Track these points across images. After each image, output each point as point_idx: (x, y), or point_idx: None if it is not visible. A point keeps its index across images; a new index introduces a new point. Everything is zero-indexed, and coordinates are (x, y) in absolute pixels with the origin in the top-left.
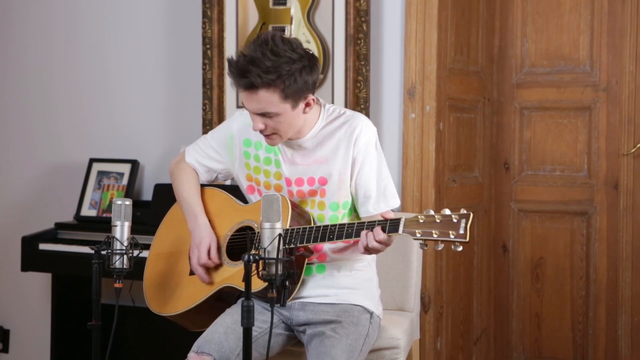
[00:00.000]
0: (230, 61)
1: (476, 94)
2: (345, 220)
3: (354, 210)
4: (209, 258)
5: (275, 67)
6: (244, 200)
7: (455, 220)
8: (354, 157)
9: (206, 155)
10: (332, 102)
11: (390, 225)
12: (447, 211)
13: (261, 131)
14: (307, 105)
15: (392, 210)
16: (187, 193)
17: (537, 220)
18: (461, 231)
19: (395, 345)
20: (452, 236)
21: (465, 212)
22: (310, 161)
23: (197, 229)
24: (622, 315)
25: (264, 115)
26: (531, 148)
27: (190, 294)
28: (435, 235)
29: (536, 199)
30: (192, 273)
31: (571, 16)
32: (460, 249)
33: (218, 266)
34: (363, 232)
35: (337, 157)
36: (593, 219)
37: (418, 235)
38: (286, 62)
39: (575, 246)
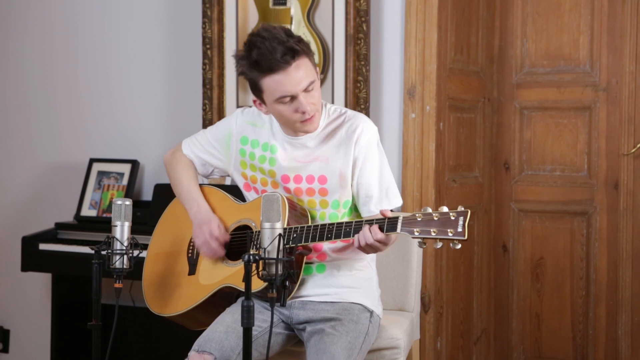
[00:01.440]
0: (259, 52)
1: (476, 94)
2: (345, 219)
3: (354, 209)
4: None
5: (291, 34)
6: (241, 198)
7: (453, 218)
8: (355, 157)
9: (203, 149)
10: (332, 102)
11: (388, 224)
12: (445, 208)
13: (307, 113)
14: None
15: (393, 210)
16: (187, 182)
17: (537, 220)
18: (459, 229)
19: (395, 345)
20: (450, 234)
21: (462, 209)
22: (310, 159)
23: (201, 213)
24: (622, 315)
25: (307, 90)
26: (531, 148)
27: (190, 294)
28: (433, 233)
29: (536, 199)
30: (191, 273)
31: (571, 16)
32: (459, 246)
33: (217, 266)
34: (361, 230)
35: (338, 156)
36: (593, 219)
37: (416, 233)
38: (290, 31)
39: (575, 246)
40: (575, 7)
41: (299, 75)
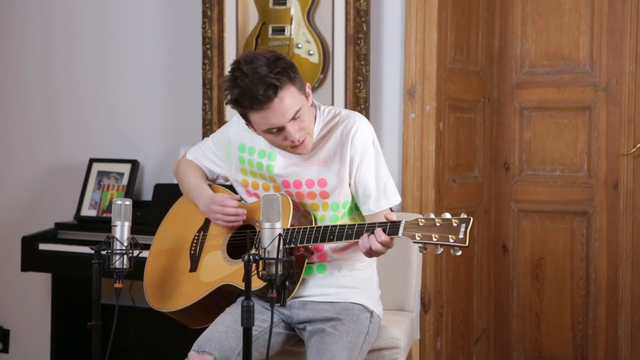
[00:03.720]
0: (240, 91)
1: (476, 94)
2: (346, 220)
3: (354, 209)
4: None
5: (275, 66)
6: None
7: (455, 225)
8: (351, 156)
9: (206, 157)
10: (332, 103)
11: (390, 228)
12: (448, 215)
13: (296, 141)
14: (308, 95)
15: (392, 208)
16: (194, 178)
17: (537, 220)
18: (461, 235)
19: (395, 345)
20: (451, 240)
21: (465, 216)
22: (308, 164)
23: (205, 198)
24: (622, 315)
25: (294, 118)
26: (531, 148)
27: (190, 291)
28: (434, 239)
29: (536, 199)
30: (192, 269)
31: (571, 16)
32: (459, 253)
33: (219, 264)
34: (365, 235)
35: (336, 158)
36: (593, 219)
37: (417, 238)
38: (275, 61)
39: (575, 246)
40: (575, 7)
41: (283, 108)
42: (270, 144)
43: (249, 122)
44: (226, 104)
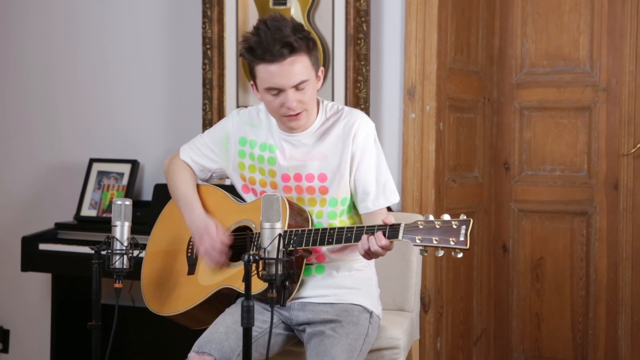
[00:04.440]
0: (257, 40)
1: (476, 94)
2: (344, 218)
3: (352, 207)
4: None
5: (299, 30)
6: (241, 198)
7: (455, 227)
8: (352, 153)
9: (202, 153)
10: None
11: (389, 231)
12: (447, 217)
13: (291, 109)
14: (318, 78)
15: (391, 206)
16: (185, 187)
17: (537, 220)
18: (461, 238)
19: (395, 345)
20: (452, 243)
21: (465, 218)
22: (308, 157)
23: (197, 219)
24: (622, 315)
25: (298, 88)
26: (531, 148)
27: (189, 295)
28: (435, 242)
29: (536, 199)
30: (190, 272)
31: (571, 16)
32: (460, 255)
33: (216, 267)
34: (364, 237)
35: (336, 153)
36: (593, 219)
37: (418, 241)
38: (301, 29)
39: (575, 246)
40: (575, 7)
41: (292, 70)
42: (271, 134)
43: (254, 79)
44: (239, 55)
